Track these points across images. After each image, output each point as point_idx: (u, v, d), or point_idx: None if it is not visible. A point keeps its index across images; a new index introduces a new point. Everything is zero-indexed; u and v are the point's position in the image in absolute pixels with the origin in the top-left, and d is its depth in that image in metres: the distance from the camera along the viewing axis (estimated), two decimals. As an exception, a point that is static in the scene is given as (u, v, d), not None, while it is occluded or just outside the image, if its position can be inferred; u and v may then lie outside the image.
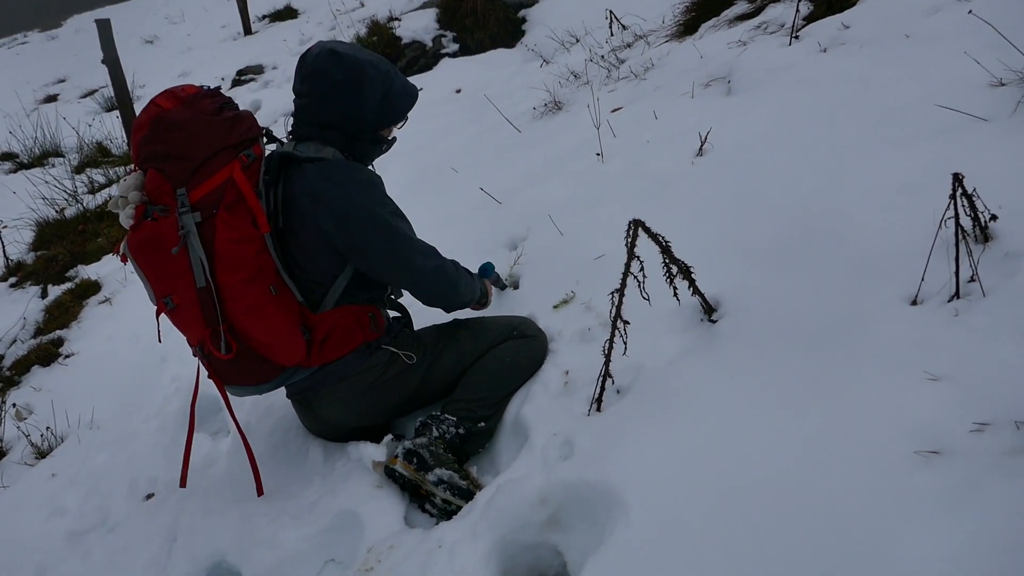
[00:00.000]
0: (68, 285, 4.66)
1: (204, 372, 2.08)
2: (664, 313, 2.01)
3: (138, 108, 6.80)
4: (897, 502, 1.32)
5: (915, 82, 2.48)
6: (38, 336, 4.17)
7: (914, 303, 1.70)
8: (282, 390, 2.19)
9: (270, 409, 2.52)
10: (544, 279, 2.57)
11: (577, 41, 5.52)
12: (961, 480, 1.30)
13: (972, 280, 1.65)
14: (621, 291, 1.78)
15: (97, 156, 7.12)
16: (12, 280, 5.11)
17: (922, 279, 1.69)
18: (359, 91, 1.99)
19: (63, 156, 7.51)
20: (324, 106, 2.00)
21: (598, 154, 3.18)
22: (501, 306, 2.55)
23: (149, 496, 2.45)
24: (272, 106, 7.06)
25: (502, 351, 2.17)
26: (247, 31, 10.84)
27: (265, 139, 2.07)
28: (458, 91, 5.78)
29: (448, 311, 2.23)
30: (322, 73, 1.98)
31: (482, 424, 2.09)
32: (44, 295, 4.64)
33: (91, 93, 10.21)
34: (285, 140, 2.11)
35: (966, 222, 1.68)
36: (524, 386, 2.17)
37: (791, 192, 2.29)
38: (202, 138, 1.90)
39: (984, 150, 2.01)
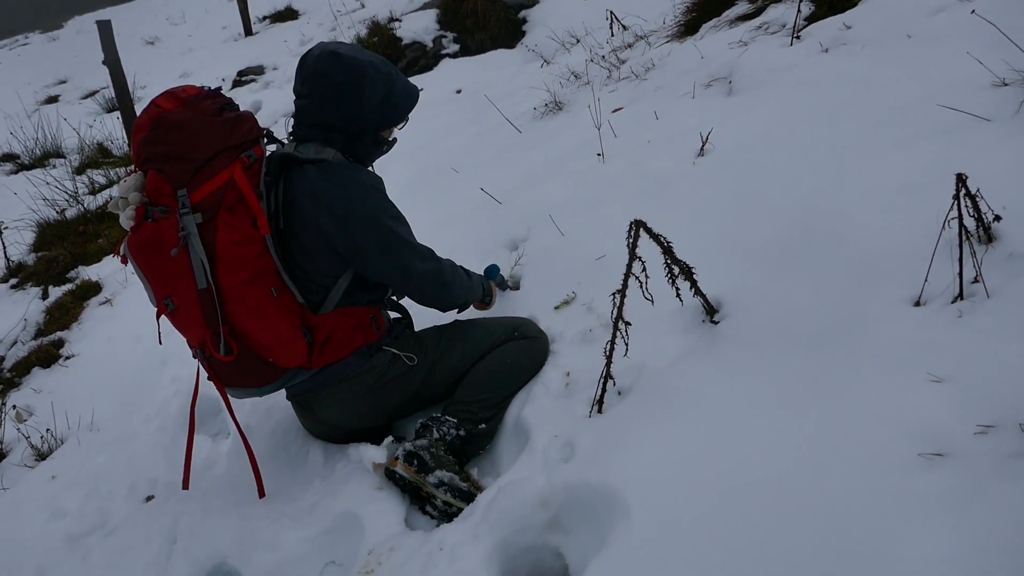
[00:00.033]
0: (69, 286, 4.65)
1: (204, 373, 2.08)
2: (666, 314, 2.01)
3: (139, 109, 6.78)
4: (897, 503, 1.31)
5: (917, 82, 2.47)
6: (39, 337, 4.17)
7: (917, 304, 1.70)
8: (282, 392, 2.18)
9: (270, 411, 2.51)
10: (545, 280, 2.57)
11: (578, 41, 5.51)
12: (964, 482, 1.29)
13: (976, 281, 1.64)
14: (623, 292, 1.78)
15: (98, 157, 7.13)
16: (13, 281, 5.11)
17: (925, 280, 1.68)
18: (360, 92, 1.98)
19: (64, 157, 7.51)
20: (325, 107, 2.00)
21: (599, 154, 3.18)
22: (502, 307, 2.54)
23: (149, 498, 2.44)
24: (273, 107, 7.06)
25: (503, 352, 2.16)
26: (248, 32, 10.85)
27: (266, 140, 2.06)
28: (458, 91, 5.77)
29: (444, 311, 2.24)
30: (323, 74, 1.97)
31: (483, 426, 2.08)
32: (45, 296, 4.64)
33: (92, 94, 10.21)
34: (286, 141, 2.11)
35: (969, 223, 1.68)
36: (525, 387, 2.16)
37: (792, 192, 2.28)
38: (203, 139, 1.89)
39: (987, 150, 2.00)
